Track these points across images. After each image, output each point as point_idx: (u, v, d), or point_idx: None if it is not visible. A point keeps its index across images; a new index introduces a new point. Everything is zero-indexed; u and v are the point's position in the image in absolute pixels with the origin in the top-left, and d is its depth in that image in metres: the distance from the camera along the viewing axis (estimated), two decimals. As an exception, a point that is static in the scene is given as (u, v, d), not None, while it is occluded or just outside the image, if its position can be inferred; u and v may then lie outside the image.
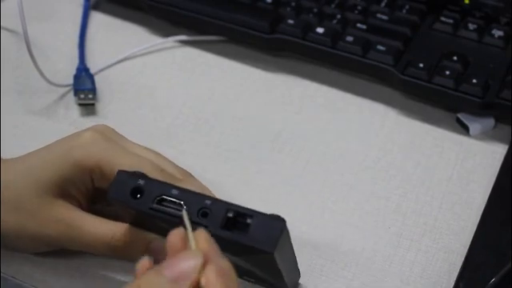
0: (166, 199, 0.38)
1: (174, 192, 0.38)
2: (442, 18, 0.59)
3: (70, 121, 0.56)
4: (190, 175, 0.46)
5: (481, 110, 0.54)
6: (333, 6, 0.60)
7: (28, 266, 0.46)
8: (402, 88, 0.56)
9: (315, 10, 0.60)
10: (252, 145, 0.54)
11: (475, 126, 0.55)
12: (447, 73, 0.54)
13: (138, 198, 0.38)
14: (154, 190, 0.38)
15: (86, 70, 0.59)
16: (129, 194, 0.38)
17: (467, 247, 0.47)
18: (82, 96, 0.56)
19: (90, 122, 0.56)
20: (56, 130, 0.55)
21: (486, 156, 0.54)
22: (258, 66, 0.61)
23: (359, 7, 0.60)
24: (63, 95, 0.58)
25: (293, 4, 0.60)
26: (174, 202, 0.38)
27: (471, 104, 0.54)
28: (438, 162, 0.53)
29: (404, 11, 0.60)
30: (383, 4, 0.60)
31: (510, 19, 0.59)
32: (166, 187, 0.38)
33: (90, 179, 0.44)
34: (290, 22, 0.59)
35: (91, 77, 0.58)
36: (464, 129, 0.55)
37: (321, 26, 0.58)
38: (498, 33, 0.58)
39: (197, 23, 0.61)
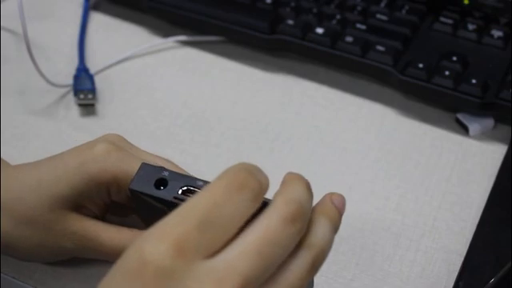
0: (190, 190, 0.37)
1: (199, 183, 0.37)
2: (442, 19, 0.59)
3: (70, 121, 0.56)
4: None
5: (480, 111, 0.54)
6: (332, 6, 0.60)
7: (28, 267, 0.46)
8: (402, 88, 0.57)
9: (315, 11, 0.60)
10: (252, 145, 0.54)
11: (474, 126, 0.55)
12: (446, 73, 0.54)
13: (162, 190, 0.38)
14: (179, 181, 0.38)
15: (86, 70, 0.59)
16: (152, 185, 0.38)
17: (467, 247, 0.47)
18: (82, 96, 0.56)
19: (89, 122, 0.56)
20: (56, 131, 0.55)
21: (486, 156, 0.54)
22: (257, 67, 0.61)
23: (359, 7, 0.60)
24: (63, 95, 0.58)
25: (292, 4, 0.60)
26: None
27: (470, 104, 0.54)
28: (437, 162, 0.53)
29: (403, 12, 0.60)
30: (383, 4, 0.60)
31: (510, 20, 0.59)
32: (191, 179, 0.38)
33: (107, 193, 0.42)
34: (290, 22, 0.59)
35: (91, 77, 0.58)
36: (463, 129, 0.55)
37: (320, 27, 0.58)
38: (497, 33, 0.58)
39: (197, 23, 0.61)
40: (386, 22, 0.59)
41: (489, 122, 0.55)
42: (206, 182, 0.37)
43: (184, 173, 0.42)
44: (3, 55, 0.61)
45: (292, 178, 0.33)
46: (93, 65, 0.60)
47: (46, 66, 0.58)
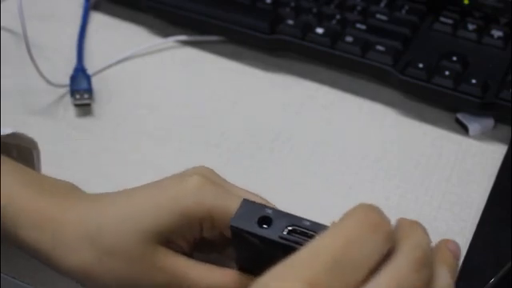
0: (296, 230, 0.36)
1: (306, 223, 0.36)
2: (442, 19, 0.59)
3: (68, 121, 0.56)
4: None
5: (480, 110, 0.54)
6: (332, 6, 0.60)
7: (28, 267, 0.46)
8: (402, 88, 0.57)
9: (315, 11, 0.60)
10: (252, 145, 0.54)
11: (474, 126, 0.55)
12: (446, 73, 0.54)
13: (266, 228, 0.36)
14: (284, 219, 0.36)
15: (83, 70, 0.59)
16: (255, 222, 0.36)
17: (467, 247, 0.47)
18: (78, 96, 0.56)
19: (86, 122, 0.56)
20: (55, 131, 0.55)
21: (486, 156, 0.54)
22: (257, 66, 0.61)
23: (359, 7, 0.60)
24: (62, 96, 0.58)
25: (292, 4, 0.60)
26: (306, 234, 0.35)
27: (470, 104, 0.54)
28: (437, 162, 0.53)
29: (403, 11, 0.60)
30: (383, 4, 0.60)
31: (510, 20, 0.59)
32: (296, 218, 0.36)
33: (199, 229, 0.40)
34: (290, 22, 0.59)
35: (88, 77, 0.58)
36: (463, 129, 0.55)
37: (320, 27, 0.58)
38: (497, 33, 0.58)
39: (196, 23, 0.61)
40: (386, 22, 0.59)
41: (489, 122, 0.55)
42: (312, 222, 0.36)
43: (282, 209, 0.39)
44: (3, 55, 0.61)
45: (412, 224, 0.33)
46: (92, 65, 0.60)
47: (46, 65, 0.57)
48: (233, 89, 0.59)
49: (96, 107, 0.57)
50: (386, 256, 0.30)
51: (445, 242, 0.34)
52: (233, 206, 0.37)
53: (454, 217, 0.50)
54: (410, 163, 0.53)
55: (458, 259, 0.34)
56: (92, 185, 0.51)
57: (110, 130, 0.56)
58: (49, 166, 0.49)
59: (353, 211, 0.31)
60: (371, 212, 0.30)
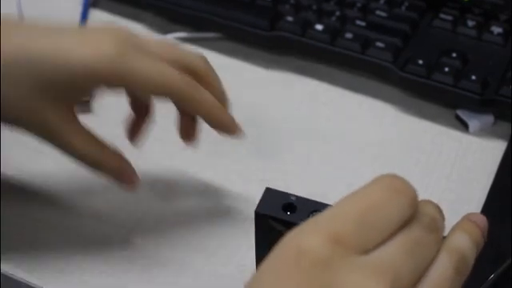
0: None
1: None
2: (442, 15, 0.59)
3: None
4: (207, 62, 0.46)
5: (480, 107, 0.54)
6: (332, 3, 0.60)
7: (27, 264, 0.46)
8: (401, 85, 0.56)
9: (314, 7, 0.60)
10: (252, 144, 0.54)
11: (474, 122, 0.55)
12: (446, 69, 0.54)
13: (291, 215, 0.37)
14: (308, 206, 0.37)
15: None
16: (280, 209, 0.37)
17: (466, 244, 0.47)
18: None
19: (84, 119, 0.56)
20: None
21: (485, 153, 0.54)
22: (257, 64, 0.61)
23: (358, 4, 0.60)
24: (63, 93, 0.58)
25: (292, 1, 0.60)
26: None
27: (470, 101, 0.54)
28: (437, 159, 0.53)
29: (403, 8, 0.60)
30: (382, 1, 0.60)
31: (510, 16, 0.59)
32: (320, 204, 0.37)
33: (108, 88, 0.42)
34: (290, 19, 0.59)
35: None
36: (463, 125, 0.55)
37: (320, 23, 0.58)
38: (497, 30, 0.58)
39: (196, 20, 0.61)
40: (386, 19, 0.59)
41: (488, 119, 0.55)
42: None
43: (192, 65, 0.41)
44: (3, 53, 0.61)
45: (423, 200, 0.34)
46: (92, 62, 0.60)
47: (46, 63, 0.57)
48: (232, 86, 0.59)
49: (95, 106, 0.57)
50: (407, 222, 0.31)
51: (468, 214, 0.36)
52: (148, 67, 0.41)
53: (453, 214, 0.49)
54: (410, 160, 0.53)
55: (480, 229, 0.35)
56: (92, 184, 0.51)
57: (110, 129, 0.55)
58: (48, 163, 0.49)
59: (378, 178, 0.32)
60: (396, 179, 0.32)
